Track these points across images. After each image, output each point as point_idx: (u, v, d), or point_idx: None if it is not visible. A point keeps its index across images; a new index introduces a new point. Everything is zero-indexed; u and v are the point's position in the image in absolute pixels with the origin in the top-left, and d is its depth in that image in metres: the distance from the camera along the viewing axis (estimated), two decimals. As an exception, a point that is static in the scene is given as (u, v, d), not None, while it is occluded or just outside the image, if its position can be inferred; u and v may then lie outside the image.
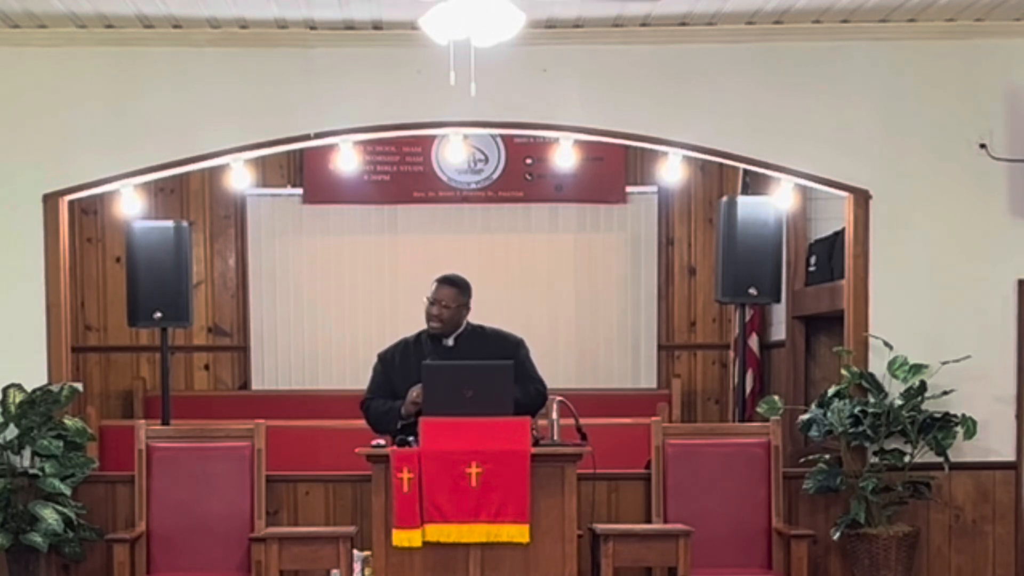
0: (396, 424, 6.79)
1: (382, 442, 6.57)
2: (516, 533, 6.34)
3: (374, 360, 7.14)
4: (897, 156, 7.56)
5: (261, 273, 10.78)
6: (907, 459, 7.34)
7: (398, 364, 6.95)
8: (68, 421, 7.36)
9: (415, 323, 7.26)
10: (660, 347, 10.89)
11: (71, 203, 7.81)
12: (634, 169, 10.80)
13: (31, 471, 7.22)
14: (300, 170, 10.76)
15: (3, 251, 7.51)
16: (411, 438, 6.46)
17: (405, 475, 6.32)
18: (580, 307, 10.82)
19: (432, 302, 6.92)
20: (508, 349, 6.93)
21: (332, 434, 8.91)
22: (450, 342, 6.93)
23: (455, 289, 6.93)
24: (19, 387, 7.28)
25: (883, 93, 7.54)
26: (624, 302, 10.84)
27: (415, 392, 6.67)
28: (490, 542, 6.35)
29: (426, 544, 6.34)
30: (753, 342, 10.15)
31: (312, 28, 7.45)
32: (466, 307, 6.97)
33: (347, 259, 10.81)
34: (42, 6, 7.05)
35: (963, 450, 7.46)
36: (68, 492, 7.17)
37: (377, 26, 7.44)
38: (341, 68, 7.53)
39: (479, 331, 7.01)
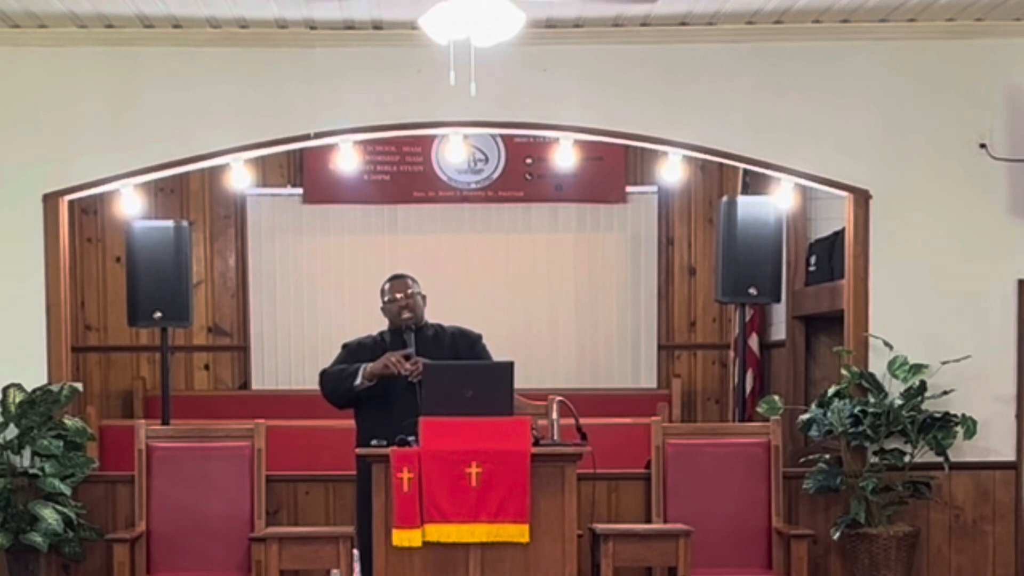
0: (352, 383, 6.79)
1: (382, 441, 6.56)
2: (516, 533, 6.33)
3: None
4: (897, 156, 7.56)
5: (261, 273, 10.79)
6: (907, 459, 7.34)
7: (362, 352, 6.96)
8: (68, 421, 7.36)
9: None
10: (660, 347, 10.90)
11: (71, 203, 7.81)
12: (634, 169, 10.81)
13: (31, 471, 7.22)
14: (300, 170, 10.76)
15: (3, 251, 7.51)
16: (411, 438, 6.46)
17: (405, 475, 6.31)
18: (580, 307, 10.82)
19: (391, 300, 6.96)
20: (467, 344, 6.98)
21: (332, 434, 8.89)
22: (411, 339, 6.93)
23: (405, 279, 7.01)
24: (19, 387, 7.28)
25: (883, 93, 7.54)
26: (624, 302, 10.85)
27: (395, 357, 6.70)
28: (490, 542, 6.34)
29: (426, 544, 6.33)
30: (753, 342, 10.15)
31: (312, 28, 7.46)
32: (422, 295, 6.99)
33: (347, 259, 10.81)
34: (42, 6, 7.05)
35: (963, 450, 7.46)
36: (68, 492, 7.18)
37: (377, 26, 7.44)
38: (341, 68, 7.54)
39: (439, 328, 7.04)
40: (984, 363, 7.49)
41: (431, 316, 7.07)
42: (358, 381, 6.82)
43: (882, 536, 7.24)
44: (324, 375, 7.03)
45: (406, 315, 6.94)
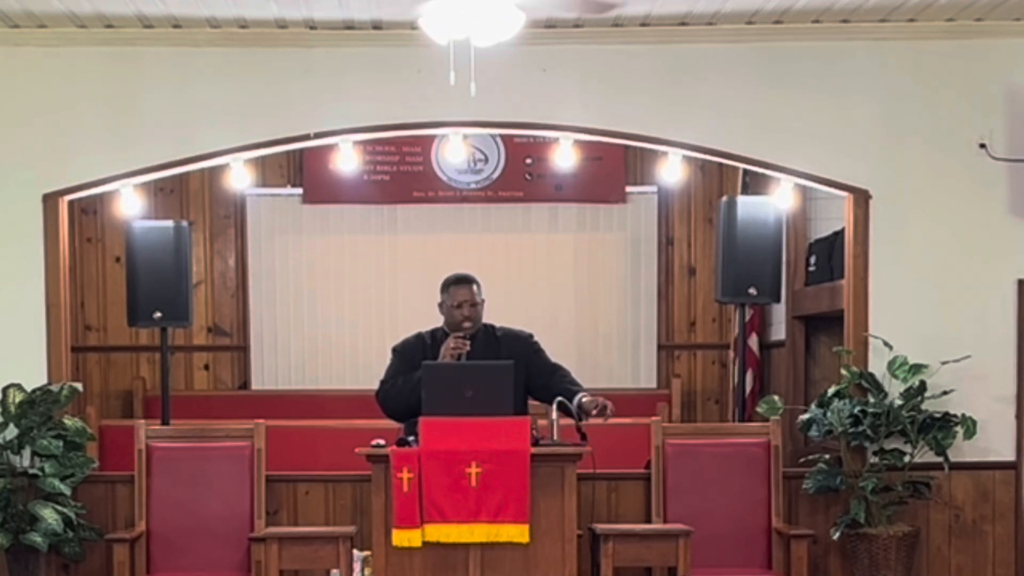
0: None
1: (382, 442, 6.57)
2: (516, 533, 6.34)
3: (374, 361, 7.13)
4: (897, 156, 7.57)
5: (261, 273, 10.79)
6: (907, 459, 7.34)
7: (415, 356, 6.88)
8: (68, 421, 7.36)
9: (415, 323, 7.26)
10: (660, 347, 10.90)
11: (71, 203, 7.81)
12: (634, 169, 10.81)
13: (31, 471, 7.21)
14: (300, 170, 10.76)
15: (3, 251, 7.51)
16: (411, 438, 6.47)
17: (405, 475, 6.31)
18: (580, 307, 10.82)
19: (457, 305, 6.85)
20: (522, 346, 6.93)
21: (332, 434, 8.91)
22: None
23: (473, 285, 6.91)
24: (19, 387, 7.27)
25: (883, 93, 7.54)
26: (624, 302, 10.85)
27: (452, 343, 6.67)
28: (490, 542, 6.34)
29: (426, 544, 6.34)
30: (753, 342, 10.15)
31: (312, 28, 7.46)
32: (483, 302, 6.95)
33: (347, 259, 10.81)
34: (42, 6, 7.05)
35: (963, 450, 7.46)
36: (68, 492, 7.17)
37: (377, 26, 7.45)
38: (341, 68, 7.53)
39: (491, 330, 6.99)
40: (984, 363, 7.49)
41: (438, 318, 7.03)
42: None
43: (882, 536, 7.24)
44: (387, 393, 6.88)
45: (466, 325, 6.82)
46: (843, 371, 7.52)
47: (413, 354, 6.90)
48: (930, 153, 7.56)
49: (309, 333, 10.78)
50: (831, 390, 7.51)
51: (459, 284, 6.90)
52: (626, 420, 8.85)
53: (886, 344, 7.42)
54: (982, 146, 7.48)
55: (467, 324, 6.84)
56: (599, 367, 10.80)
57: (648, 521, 7.36)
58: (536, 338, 7.04)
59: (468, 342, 6.76)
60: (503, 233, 10.82)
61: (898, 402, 7.35)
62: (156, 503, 7.27)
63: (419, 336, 7.01)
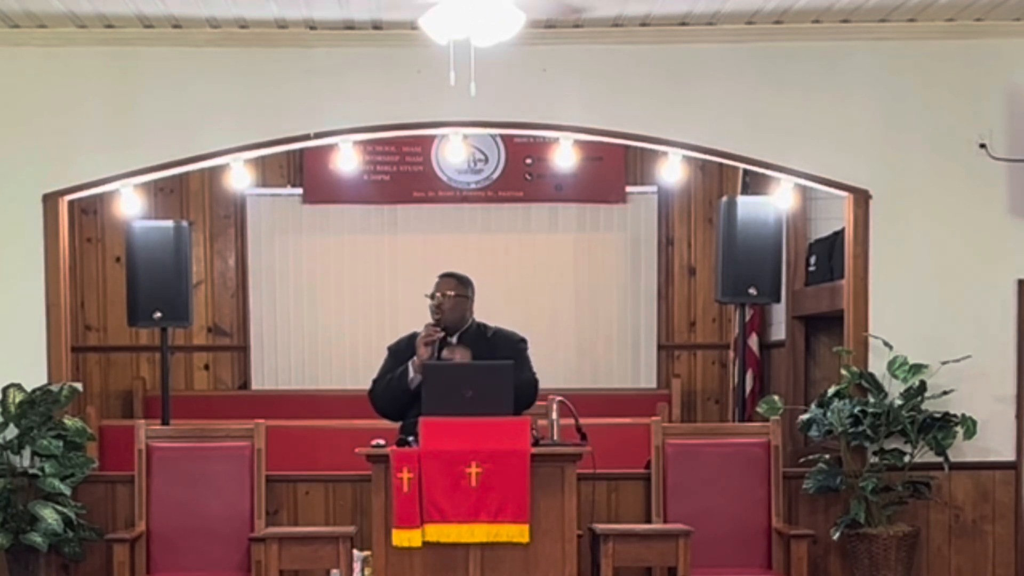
0: (405, 383, 6.78)
1: (382, 442, 6.57)
2: (516, 533, 6.34)
3: (374, 361, 7.14)
4: (897, 156, 7.57)
5: (261, 273, 10.79)
6: (907, 459, 7.34)
7: (409, 355, 6.92)
8: (68, 421, 7.36)
9: (415, 323, 7.25)
10: (660, 347, 10.90)
11: (71, 203, 7.81)
12: (634, 169, 10.81)
13: (31, 471, 7.21)
14: (300, 170, 10.76)
15: (3, 251, 7.51)
16: (411, 438, 6.47)
17: (405, 475, 6.32)
18: (580, 307, 10.82)
19: (431, 296, 6.95)
20: (509, 348, 6.94)
21: (332, 434, 8.91)
22: (454, 340, 6.93)
23: (454, 279, 6.98)
24: (19, 387, 7.27)
25: (883, 93, 7.54)
26: (624, 302, 10.85)
27: (422, 333, 6.76)
28: (490, 542, 6.35)
29: (426, 544, 6.34)
30: (753, 342, 10.15)
31: (312, 28, 7.46)
32: (467, 299, 6.97)
33: (347, 259, 10.81)
34: (42, 6, 7.05)
35: (963, 450, 7.46)
36: (68, 492, 7.17)
37: (377, 26, 7.45)
38: (341, 68, 7.54)
39: (483, 329, 7.01)
40: (984, 363, 7.49)
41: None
42: (411, 376, 6.79)
43: (882, 536, 7.24)
44: (373, 389, 6.98)
45: (436, 316, 6.90)
46: (843, 371, 7.52)
47: (407, 353, 6.93)
48: (930, 153, 7.56)
49: (309, 333, 10.78)
50: (831, 390, 7.51)
51: (441, 277, 7.02)
52: (626, 420, 8.89)
53: (886, 344, 7.42)
54: (982, 146, 7.48)
55: (436, 316, 6.91)
56: (599, 367, 10.81)
57: (648, 521, 7.36)
58: (527, 344, 7.04)
59: (440, 330, 6.81)
60: (503, 233, 10.82)
61: (898, 402, 7.35)
62: (156, 503, 7.27)
63: (413, 336, 7.04)
